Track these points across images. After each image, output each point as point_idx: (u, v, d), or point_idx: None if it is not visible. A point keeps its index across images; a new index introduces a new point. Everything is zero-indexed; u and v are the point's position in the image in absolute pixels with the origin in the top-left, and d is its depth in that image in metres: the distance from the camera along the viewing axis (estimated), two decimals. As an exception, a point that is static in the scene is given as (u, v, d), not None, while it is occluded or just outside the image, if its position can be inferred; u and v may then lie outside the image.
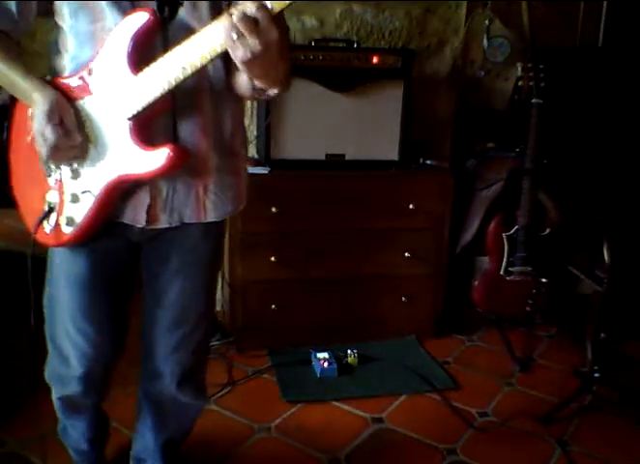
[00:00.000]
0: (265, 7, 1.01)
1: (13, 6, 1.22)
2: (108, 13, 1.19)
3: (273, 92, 1.24)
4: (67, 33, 1.25)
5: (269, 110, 2.34)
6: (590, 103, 2.91)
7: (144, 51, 1.18)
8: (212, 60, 1.10)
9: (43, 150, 1.18)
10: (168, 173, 1.22)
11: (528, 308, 2.70)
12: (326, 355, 2.42)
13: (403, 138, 2.50)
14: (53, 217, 1.30)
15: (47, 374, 1.56)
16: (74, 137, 1.20)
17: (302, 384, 2.32)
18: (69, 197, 1.27)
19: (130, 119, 1.19)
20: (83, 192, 1.26)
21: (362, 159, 2.49)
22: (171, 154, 1.18)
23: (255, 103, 2.63)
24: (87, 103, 1.23)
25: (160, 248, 1.40)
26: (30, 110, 1.22)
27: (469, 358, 2.61)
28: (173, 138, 1.23)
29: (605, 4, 3.09)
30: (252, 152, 2.59)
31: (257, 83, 1.19)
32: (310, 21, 2.67)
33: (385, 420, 2.14)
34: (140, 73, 1.17)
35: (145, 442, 1.65)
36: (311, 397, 2.24)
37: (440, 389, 2.32)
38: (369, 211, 2.53)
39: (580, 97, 2.90)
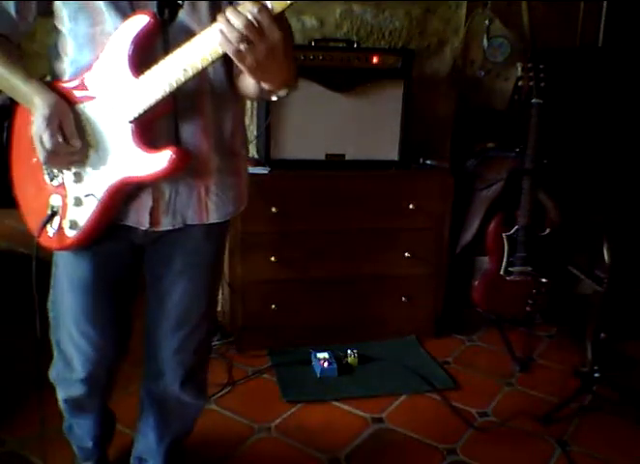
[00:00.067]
0: (265, 8, 1.01)
1: (11, 8, 1.21)
2: (108, 15, 1.19)
3: (282, 93, 1.25)
4: (66, 36, 1.24)
5: (269, 110, 2.34)
6: (590, 103, 2.91)
7: (145, 54, 1.18)
8: (213, 61, 1.10)
9: (41, 154, 1.18)
10: (171, 175, 1.22)
11: (528, 308, 2.70)
12: (326, 355, 2.42)
13: (403, 138, 2.50)
14: (56, 220, 1.30)
15: (52, 376, 1.56)
16: (73, 143, 1.20)
17: (302, 384, 2.32)
18: (72, 201, 1.28)
19: (131, 122, 1.19)
20: (86, 196, 1.26)
21: (362, 159, 2.49)
22: (173, 156, 1.18)
23: (255, 103, 2.63)
24: (88, 107, 1.23)
25: (162, 251, 1.40)
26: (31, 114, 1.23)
27: (469, 358, 2.61)
28: (175, 140, 1.24)
29: (605, 4, 3.09)
30: (252, 152, 2.58)
31: (265, 86, 1.19)
32: (310, 21, 2.67)
33: (385, 420, 2.14)
34: (141, 76, 1.17)
35: (147, 441, 1.66)
36: (311, 397, 2.24)
37: (440, 389, 2.32)
38: (369, 211, 2.53)
39: (580, 97, 2.90)
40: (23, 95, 1.22)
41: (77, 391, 1.53)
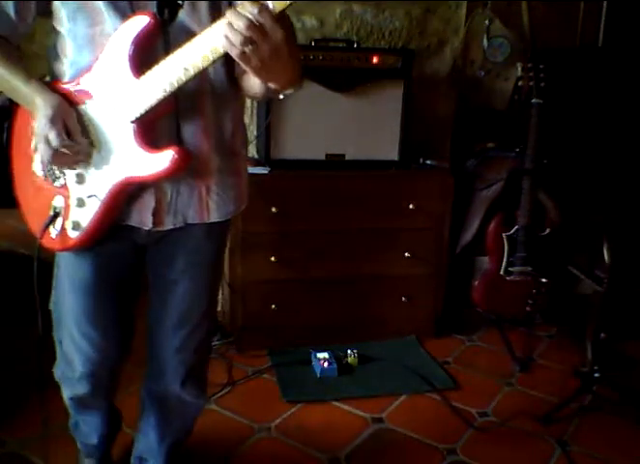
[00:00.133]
0: (266, 8, 1.01)
1: (11, 9, 1.21)
2: (107, 16, 1.19)
3: (287, 92, 1.25)
4: (65, 37, 1.24)
5: (269, 110, 2.34)
6: (590, 103, 2.91)
7: (145, 54, 1.18)
8: (214, 61, 1.10)
9: (46, 154, 1.18)
10: (173, 175, 1.22)
11: (528, 308, 2.70)
12: (326, 355, 2.42)
13: (403, 138, 2.50)
14: (59, 221, 1.30)
15: (57, 375, 1.58)
16: (79, 141, 1.20)
17: (302, 384, 2.32)
18: (74, 202, 1.28)
19: (133, 122, 1.19)
20: (89, 197, 1.27)
21: (362, 159, 2.49)
22: (176, 156, 1.19)
23: (255, 103, 2.63)
24: (89, 108, 1.23)
25: (165, 250, 1.41)
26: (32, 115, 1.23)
27: (469, 358, 2.61)
28: (176, 140, 1.24)
29: (605, 4, 3.09)
30: (252, 152, 2.58)
31: (271, 85, 1.19)
32: (310, 21, 2.67)
33: (385, 420, 2.14)
34: (142, 77, 1.17)
35: (148, 441, 1.66)
36: (311, 397, 2.24)
37: (440, 389, 2.32)
38: (369, 211, 2.53)
39: (580, 97, 2.90)
40: (24, 96, 1.22)
41: (81, 390, 1.54)
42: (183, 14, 1.21)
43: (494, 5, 2.89)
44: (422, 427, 2.09)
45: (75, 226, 1.29)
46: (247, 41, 1.01)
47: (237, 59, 1.05)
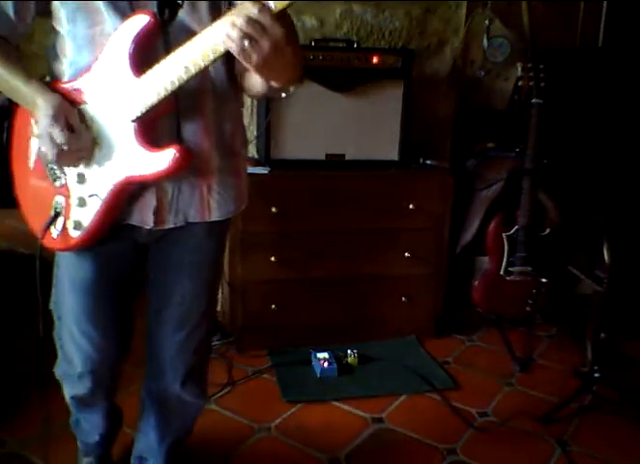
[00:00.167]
0: (266, 7, 1.02)
1: (10, 9, 1.21)
2: (107, 16, 1.19)
3: (289, 90, 1.26)
4: (65, 37, 1.24)
5: (269, 110, 2.34)
6: (590, 103, 2.91)
7: (146, 54, 1.18)
8: (215, 59, 1.10)
9: (50, 153, 1.18)
10: (174, 174, 1.22)
11: (528, 308, 2.70)
12: (326, 355, 2.42)
13: (403, 138, 2.50)
14: (60, 221, 1.30)
15: (58, 374, 1.58)
16: (83, 137, 1.20)
17: (302, 384, 2.32)
18: (75, 201, 1.28)
19: (134, 121, 1.19)
20: (90, 196, 1.27)
21: (362, 159, 2.49)
22: (177, 154, 1.19)
23: (255, 103, 2.63)
24: (89, 108, 1.23)
25: (166, 249, 1.41)
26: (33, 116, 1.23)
27: (469, 358, 2.61)
28: (177, 139, 1.24)
29: (605, 4, 3.09)
30: (252, 152, 2.58)
31: (273, 83, 1.19)
32: (310, 21, 2.67)
33: (385, 420, 2.14)
34: (143, 76, 1.17)
35: (148, 440, 1.66)
36: (311, 397, 2.24)
37: (440, 389, 2.32)
38: (369, 211, 2.53)
39: (580, 97, 2.90)
40: (24, 96, 1.22)
41: (81, 389, 1.54)
42: (183, 14, 1.21)
43: (494, 5, 2.89)
44: (422, 427, 2.09)
45: (77, 226, 1.29)
46: (247, 36, 1.01)
47: (237, 56, 1.05)
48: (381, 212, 2.55)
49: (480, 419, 2.17)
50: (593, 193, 2.82)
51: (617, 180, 2.85)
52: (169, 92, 1.15)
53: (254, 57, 1.04)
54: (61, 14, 1.22)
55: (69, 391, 1.60)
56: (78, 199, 1.28)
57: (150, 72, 1.16)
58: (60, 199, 1.29)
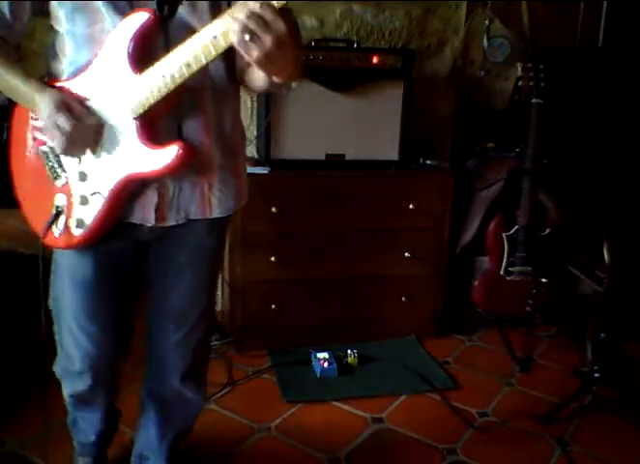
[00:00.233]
0: (267, 3, 1.02)
1: (5, 9, 1.21)
2: (106, 14, 1.19)
3: (291, 85, 1.27)
4: (64, 36, 1.24)
5: (269, 110, 2.34)
6: (590, 103, 2.91)
7: (146, 51, 1.18)
8: (217, 56, 1.10)
9: (59, 142, 1.18)
10: (177, 170, 1.23)
11: (528, 308, 2.70)
12: (326, 355, 2.42)
13: (403, 138, 2.50)
14: (62, 219, 1.30)
15: (58, 371, 1.58)
16: (89, 120, 1.20)
17: (302, 384, 2.32)
18: (78, 199, 1.28)
19: (136, 118, 1.19)
20: (92, 194, 1.27)
21: (362, 159, 2.49)
22: (181, 151, 1.19)
23: (255, 103, 2.63)
24: (90, 106, 1.22)
25: (167, 246, 1.41)
26: (31, 113, 1.23)
27: (469, 358, 2.61)
28: (178, 137, 1.24)
29: (605, 4, 3.09)
30: (252, 152, 2.59)
31: (275, 79, 1.20)
32: (310, 21, 2.67)
33: (385, 420, 2.14)
34: (144, 73, 1.16)
35: (149, 437, 1.66)
36: (311, 397, 2.24)
37: (440, 389, 2.32)
38: (369, 211, 2.53)
39: (580, 97, 2.90)
40: (23, 95, 1.22)
41: (81, 386, 1.54)
42: (183, 11, 1.22)
43: (494, 5, 2.89)
44: (422, 427, 2.09)
45: (80, 224, 1.29)
46: (249, 31, 1.02)
47: (239, 49, 1.05)
48: (381, 212, 2.55)
49: (479, 419, 2.17)
50: (593, 193, 2.82)
51: (617, 180, 2.85)
52: (171, 89, 1.15)
53: (257, 52, 1.04)
54: (60, 13, 1.22)
55: (68, 389, 1.60)
56: (81, 197, 1.28)
57: (151, 69, 1.16)
58: (61, 198, 1.30)
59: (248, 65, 1.20)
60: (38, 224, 1.34)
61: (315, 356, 2.43)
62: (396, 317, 2.69)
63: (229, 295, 2.53)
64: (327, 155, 2.46)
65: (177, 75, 1.13)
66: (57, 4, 1.22)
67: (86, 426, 1.69)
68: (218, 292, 2.65)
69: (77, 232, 1.30)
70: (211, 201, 1.36)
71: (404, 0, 2.75)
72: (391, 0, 2.73)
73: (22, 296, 1.48)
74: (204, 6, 1.24)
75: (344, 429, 2.07)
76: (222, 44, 1.08)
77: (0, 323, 2.49)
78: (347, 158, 2.48)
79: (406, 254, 2.60)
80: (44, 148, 1.30)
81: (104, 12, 1.19)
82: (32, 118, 1.30)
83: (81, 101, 1.22)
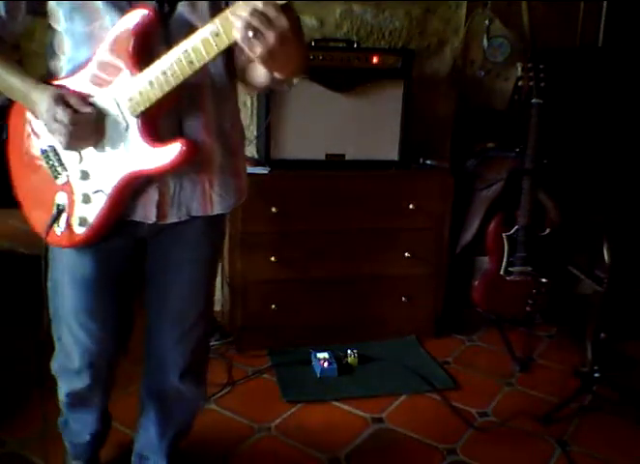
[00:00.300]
0: (270, 2, 1.03)
1: (1, 8, 1.21)
2: (105, 13, 1.19)
3: (293, 81, 1.27)
4: (62, 35, 1.24)
5: (269, 110, 2.34)
6: (590, 103, 2.91)
7: (146, 48, 1.18)
8: (219, 53, 1.10)
9: (62, 136, 1.18)
10: (178, 168, 1.23)
11: (528, 308, 2.70)
12: (326, 355, 2.42)
13: (403, 138, 2.50)
14: (63, 218, 1.30)
15: (55, 368, 1.57)
16: (88, 111, 1.19)
17: (302, 384, 2.32)
18: (80, 198, 1.28)
19: (137, 116, 1.19)
20: (95, 192, 1.27)
21: (362, 159, 2.49)
22: (184, 148, 1.19)
23: (255, 103, 2.63)
24: (90, 102, 1.22)
25: (166, 244, 1.42)
26: (29, 112, 1.22)
27: (469, 358, 2.61)
28: (179, 134, 1.24)
29: (605, 4, 3.09)
30: (252, 152, 2.58)
31: (277, 75, 1.20)
32: (310, 21, 2.67)
33: (385, 420, 2.14)
34: (145, 70, 1.16)
35: (149, 436, 1.66)
36: (311, 397, 2.24)
37: (440, 389, 2.32)
38: (369, 211, 2.53)
39: (580, 97, 2.90)
40: (21, 93, 1.23)
41: (79, 384, 1.53)
42: (183, 9, 1.22)
43: (494, 5, 2.89)
44: (422, 427, 2.09)
45: (82, 222, 1.29)
46: (252, 27, 1.02)
47: (243, 46, 1.05)
48: (381, 212, 2.55)
49: (480, 419, 2.17)
50: (593, 193, 2.82)
51: (617, 180, 2.85)
52: (173, 86, 1.15)
53: (260, 48, 1.05)
54: (58, 13, 1.22)
55: (65, 388, 1.58)
56: (83, 196, 1.28)
57: (152, 67, 1.15)
58: (62, 196, 1.30)
59: (250, 61, 1.20)
60: (38, 224, 1.34)
61: (315, 356, 2.43)
62: (396, 317, 2.69)
63: (229, 295, 2.53)
64: (327, 155, 2.46)
65: (179, 72, 1.13)
66: (55, 4, 1.22)
67: (80, 427, 1.68)
68: (219, 292, 2.65)
69: (80, 230, 1.30)
70: (212, 198, 1.36)
71: (404, 0, 2.75)
72: (391, 0, 2.73)
73: (22, 296, 1.47)
74: (204, 5, 1.24)
75: (344, 429, 2.07)
76: (225, 41, 1.08)
77: (0, 323, 2.49)
78: (347, 158, 2.48)
79: (406, 254, 2.60)
80: (45, 147, 1.30)
81: (103, 11, 1.19)
82: (30, 118, 1.30)
83: (81, 98, 1.21)
